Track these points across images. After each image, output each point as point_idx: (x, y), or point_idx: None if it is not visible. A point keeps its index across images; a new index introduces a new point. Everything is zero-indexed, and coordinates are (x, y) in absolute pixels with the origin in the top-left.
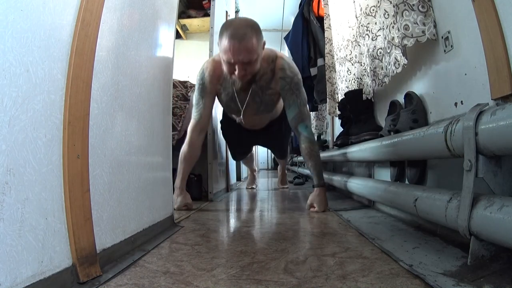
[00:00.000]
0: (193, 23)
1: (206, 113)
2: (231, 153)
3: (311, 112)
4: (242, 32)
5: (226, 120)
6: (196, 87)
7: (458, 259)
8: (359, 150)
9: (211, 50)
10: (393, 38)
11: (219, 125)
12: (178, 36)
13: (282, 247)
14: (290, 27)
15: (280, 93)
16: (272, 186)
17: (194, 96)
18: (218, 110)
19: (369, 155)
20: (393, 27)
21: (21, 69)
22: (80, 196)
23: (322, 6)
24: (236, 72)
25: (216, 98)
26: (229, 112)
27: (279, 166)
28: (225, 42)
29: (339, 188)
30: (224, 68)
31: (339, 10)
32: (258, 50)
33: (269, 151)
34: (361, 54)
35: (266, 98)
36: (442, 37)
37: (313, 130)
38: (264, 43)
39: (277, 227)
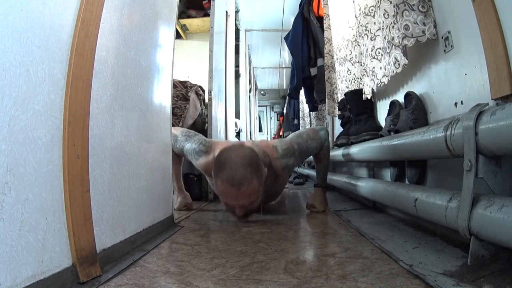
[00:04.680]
0: (193, 23)
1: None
2: None
3: (311, 112)
4: (240, 176)
5: None
6: (192, 145)
7: (458, 259)
8: (359, 150)
9: (211, 50)
10: (393, 38)
11: None
12: (178, 36)
13: (282, 247)
14: (290, 27)
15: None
16: None
17: (187, 141)
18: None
19: (369, 155)
20: (393, 27)
21: (21, 69)
22: (80, 196)
23: (322, 6)
24: (236, 211)
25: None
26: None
27: None
28: (220, 185)
29: (339, 188)
30: (222, 203)
31: (339, 10)
32: (260, 188)
33: None
34: (361, 54)
35: (272, 192)
36: (442, 37)
37: None
38: (266, 172)
39: (277, 227)
